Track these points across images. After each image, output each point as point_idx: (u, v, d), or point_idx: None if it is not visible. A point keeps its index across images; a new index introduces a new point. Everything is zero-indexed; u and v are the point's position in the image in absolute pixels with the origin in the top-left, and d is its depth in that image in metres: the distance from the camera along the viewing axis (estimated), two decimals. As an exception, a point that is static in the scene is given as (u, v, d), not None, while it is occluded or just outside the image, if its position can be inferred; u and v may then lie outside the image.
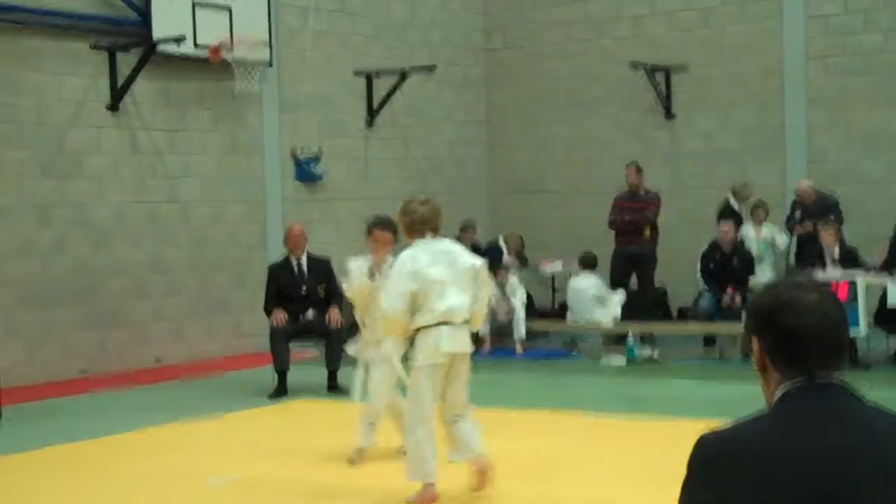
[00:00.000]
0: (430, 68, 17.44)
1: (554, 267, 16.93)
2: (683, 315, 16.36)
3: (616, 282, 15.63)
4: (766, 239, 15.46)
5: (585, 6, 18.81)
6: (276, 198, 16.18)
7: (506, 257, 16.47)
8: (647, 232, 15.43)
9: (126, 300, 14.42)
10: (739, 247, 14.99)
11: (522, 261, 17.08)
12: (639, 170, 15.68)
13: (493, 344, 15.28)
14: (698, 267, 15.04)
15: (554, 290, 17.22)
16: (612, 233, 15.72)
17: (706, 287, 14.77)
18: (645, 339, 14.87)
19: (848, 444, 2.51)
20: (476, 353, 15.17)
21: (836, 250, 13.82)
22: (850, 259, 13.72)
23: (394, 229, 8.55)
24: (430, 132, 18.61)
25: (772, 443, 2.53)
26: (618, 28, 18.56)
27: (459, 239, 16.86)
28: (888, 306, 12.94)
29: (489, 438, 9.81)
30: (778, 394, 2.63)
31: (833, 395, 2.59)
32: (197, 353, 15.01)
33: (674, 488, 2.64)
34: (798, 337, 2.59)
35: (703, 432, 2.63)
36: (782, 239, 15.50)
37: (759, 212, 15.67)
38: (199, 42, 14.57)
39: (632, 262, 15.59)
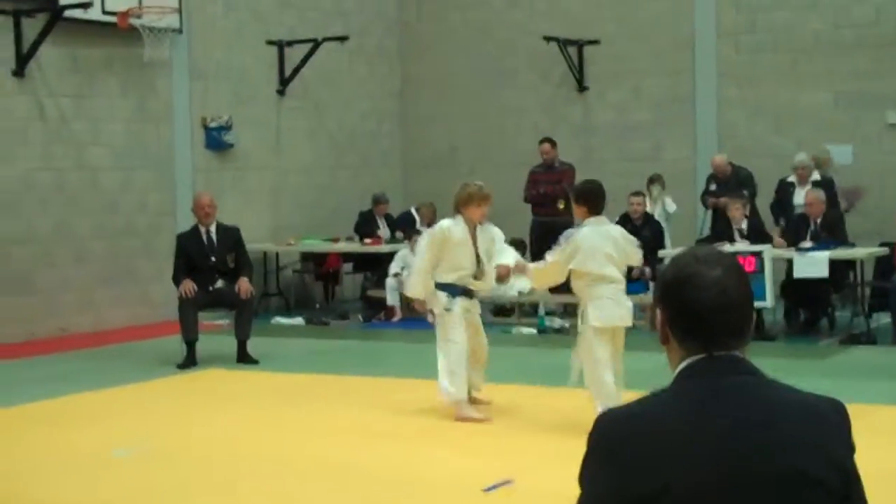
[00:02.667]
0: (343, 38, 17.35)
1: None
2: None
3: (536, 253, 15.69)
4: (663, 211, 15.65)
5: (500, -22, 18.80)
6: (186, 166, 16.01)
7: (418, 226, 16.44)
8: (562, 204, 15.55)
9: (33, 268, 14.19)
10: (650, 218, 15.13)
11: (435, 232, 17.04)
12: (553, 144, 15.79)
13: (405, 314, 15.27)
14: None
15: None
16: (528, 205, 15.80)
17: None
18: (564, 311, 14.97)
19: (746, 421, 2.50)
20: (387, 324, 15.30)
21: (744, 224, 13.97)
22: (757, 232, 13.89)
23: None
24: (343, 103, 18.51)
25: (670, 420, 2.51)
26: (532, 2, 18.58)
27: (372, 211, 16.87)
28: (795, 277, 13.10)
29: (393, 410, 9.82)
30: (678, 368, 2.61)
31: (732, 370, 2.57)
32: (105, 323, 14.83)
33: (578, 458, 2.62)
34: (697, 312, 2.56)
35: (602, 411, 2.61)
36: (672, 205, 15.74)
37: (655, 185, 15.85)
38: (107, 8, 14.34)
39: (549, 233, 15.67)
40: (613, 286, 8.54)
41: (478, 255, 9.51)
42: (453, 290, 9.43)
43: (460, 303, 9.45)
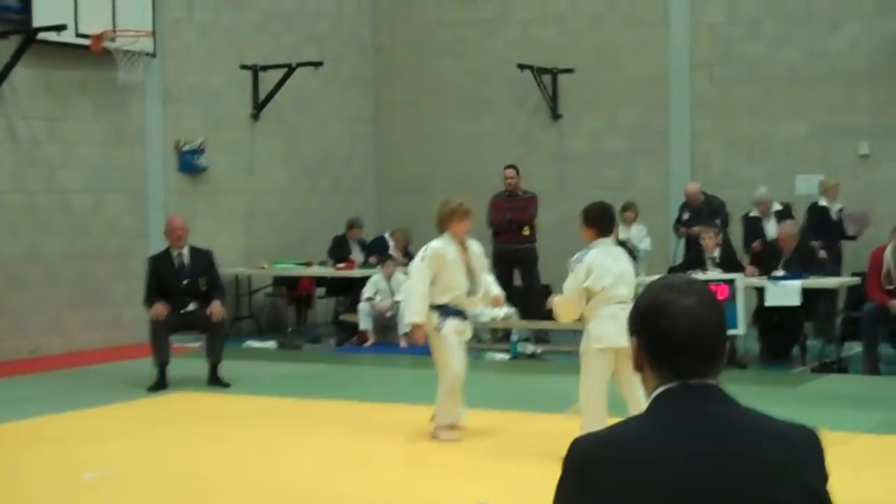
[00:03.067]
0: (317, 64, 17.37)
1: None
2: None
3: (501, 280, 15.70)
4: (632, 241, 15.67)
5: (476, 6, 18.88)
6: (159, 189, 15.97)
7: (391, 251, 16.44)
8: (527, 231, 15.64)
9: (3, 290, 14.11)
10: (622, 246, 15.12)
11: (408, 256, 17.05)
12: (517, 171, 15.86)
13: (377, 339, 15.25)
14: (582, 266, 15.18)
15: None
16: (490, 232, 15.85)
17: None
18: (534, 337, 14.99)
19: (721, 450, 2.50)
20: (359, 348, 15.24)
21: (717, 252, 14.02)
22: (729, 261, 13.94)
23: None
24: (317, 128, 18.51)
25: (645, 447, 2.51)
26: (508, 30, 18.66)
27: (345, 236, 16.85)
28: (766, 305, 13.16)
29: (366, 434, 9.79)
30: (653, 395, 2.62)
31: (706, 398, 2.57)
32: (75, 345, 14.74)
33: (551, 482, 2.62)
34: (670, 340, 2.57)
35: (578, 436, 2.61)
36: (646, 243, 15.81)
37: (629, 213, 15.90)
38: (80, 31, 14.32)
39: (513, 261, 15.75)
40: (622, 306, 8.23)
41: (471, 272, 9.43)
42: (446, 311, 9.31)
43: (455, 324, 9.34)
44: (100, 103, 15.20)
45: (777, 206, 14.69)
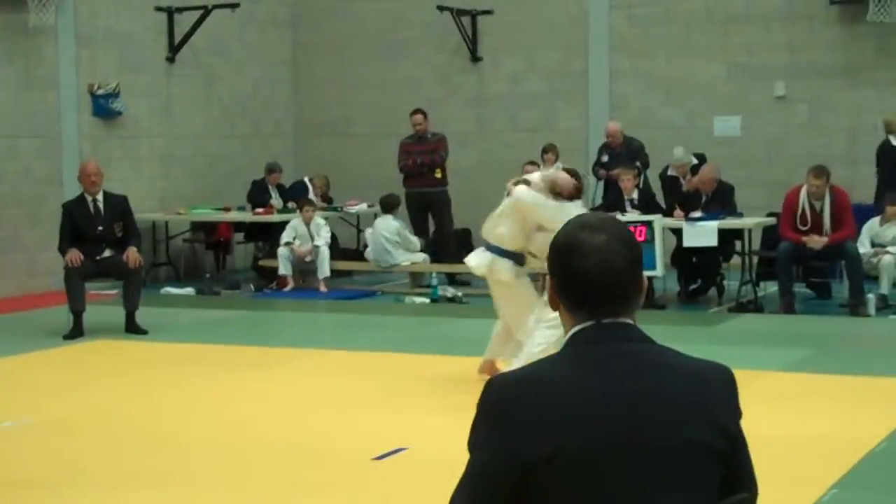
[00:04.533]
0: (234, 6, 17.11)
1: (359, 207, 16.90)
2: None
3: (416, 226, 15.79)
4: None
5: (393, -53, 18.70)
6: (73, 134, 15.69)
7: (311, 196, 16.34)
8: (439, 174, 15.63)
9: (-87, 238, 13.84)
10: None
11: (328, 201, 17.00)
12: (425, 115, 15.85)
13: (297, 283, 15.18)
14: (502, 209, 15.22)
15: (359, 230, 17.19)
16: (402, 177, 15.83)
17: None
18: (452, 281, 15.03)
19: (636, 389, 2.51)
20: (278, 293, 15.18)
21: (636, 194, 14.09)
22: (648, 202, 14.02)
23: None
24: (235, 71, 18.28)
25: (561, 386, 2.51)
26: (426, -29, 18.51)
27: (265, 180, 16.72)
28: (684, 246, 13.27)
29: (288, 377, 9.77)
30: (568, 335, 2.61)
31: (621, 337, 2.57)
32: (-12, 293, 14.51)
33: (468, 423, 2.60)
34: (580, 279, 2.56)
35: (493, 375, 2.59)
36: None
37: (549, 155, 15.92)
38: (-10, -29, 14.00)
39: (426, 205, 15.76)
40: None
41: None
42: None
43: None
44: (11, 47, 14.89)
45: (693, 162, 14.74)
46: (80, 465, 7.18)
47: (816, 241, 12.59)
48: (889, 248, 13.05)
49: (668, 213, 13.62)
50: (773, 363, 9.92)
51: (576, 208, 8.39)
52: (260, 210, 16.05)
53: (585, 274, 2.55)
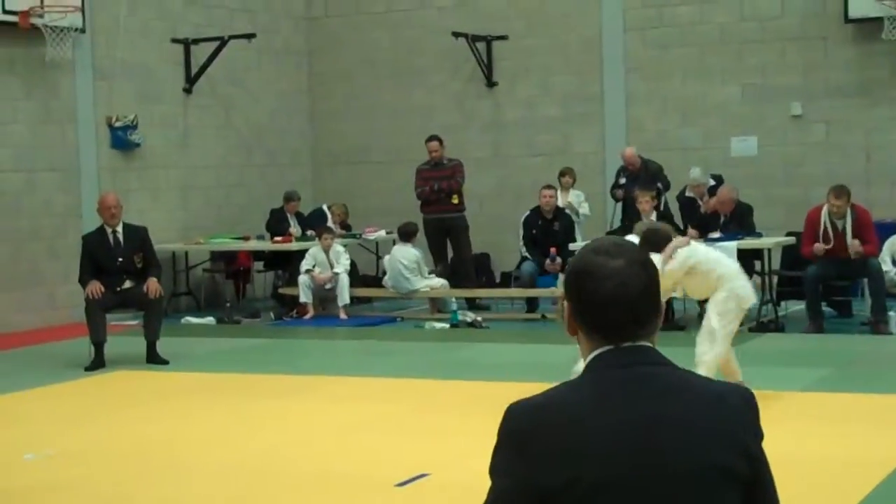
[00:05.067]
0: (250, 36, 17.20)
1: (378, 234, 16.93)
2: (507, 280, 16.53)
3: (435, 252, 15.85)
4: (572, 205, 15.70)
5: (407, -25, 18.77)
6: (92, 166, 15.77)
7: (329, 223, 16.39)
8: (456, 199, 15.68)
9: (-66, 273, 13.90)
10: (561, 211, 15.23)
11: (346, 228, 17.04)
12: (440, 142, 15.94)
13: (317, 311, 15.19)
14: (520, 233, 15.26)
15: (378, 257, 17.22)
16: (419, 203, 15.89)
17: (528, 252, 15.02)
18: (472, 306, 15.07)
19: (656, 413, 2.50)
20: (299, 321, 15.21)
21: (654, 216, 14.07)
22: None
23: None
24: (251, 101, 18.36)
25: (580, 411, 2.50)
26: (440, -2, 18.59)
27: (283, 209, 16.77)
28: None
29: (309, 404, 9.78)
30: (587, 360, 2.60)
31: (640, 360, 2.56)
32: (10, 326, 14.53)
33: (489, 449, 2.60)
34: (598, 303, 2.55)
35: (512, 402, 2.59)
36: (585, 208, 15.83)
37: (566, 178, 15.94)
38: (7, 7, 14.09)
39: (445, 231, 15.81)
40: None
41: None
42: None
43: None
44: (29, 81, 14.99)
45: (710, 183, 14.75)
46: (103, 497, 7.20)
47: (856, 247, 12.55)
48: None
49: (682, 233, 13.60)
50: (795, 383, 9.90)
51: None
52: (279, 238, 16.10)
53: (602, 298, 2.55)
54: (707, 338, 9.27)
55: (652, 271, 2.61)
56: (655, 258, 8.96)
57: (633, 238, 9.30)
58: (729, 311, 9.37)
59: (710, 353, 9.18)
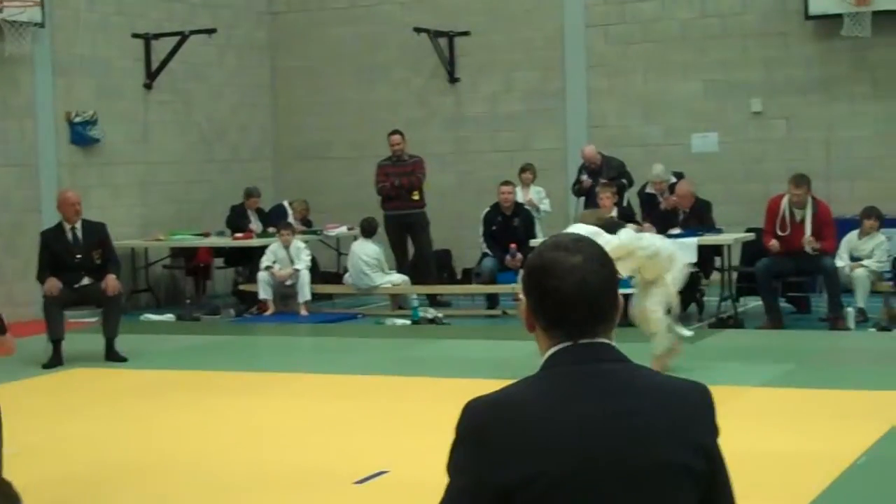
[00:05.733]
0: (211, 31, 17.11)
1: (339, 231, 16.88)
2: (468, 276, 16.53)
3: (395, 246, 15.82)
4: (533, 202, 15.69)
5: (369, -30, 18.73)
6: (51, 162, 15.66)
7: (290, 219, 16.33)
8: (417, 195, 15.66)
9: None
10: (520, 208, 15.23)
11: (307, 224, 16.98)
12: (402, 136, 15.93)
13: (277, 308, 15.14)
14: (481, 229, 15.26)
15: (339, 253, 17.17)
16: (380, 199, 15.86)
17: (488, 248, 15.03)
18: (433, 302, 15.06)
19: (613, 410, 2.49)
20: (259, 318, 15.15)
21: (614, 212, 14.10)
22: (627, 220, 14.01)
23: None
24: (213, 96, 18.27)
25: (537, 408, 2.49)
26: (402, -7, 18.56)
27: (243, 205, 16.69)
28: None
29: (269, 401, 9.74)
30: (545, 356, 2.59)
31: (598, 357, 2.55)
32: (-33, 323, 14.40)
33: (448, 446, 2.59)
34: (556, 299, 2.54)
35: (471, 398, 2.57)
36: (546, 204, 15.82)
37: (526, 175, 15.94)
38: (-35, 2, 13.99)
39: (405, 227, 15.78)
40: None
41: None
42: None
43: None
44: (-14, 76, 14.87)
45: (672, 180, 14.80)
46: (62, 496, 7.15)
47: (811, 242, 12.61)
48: (864, 262, 13.07)
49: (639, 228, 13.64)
50: (754, 378, 9.94)
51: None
52: (239, 235, 16.03)
53: (563, 295, 2.54)
54: (655, 328, 9.97)
55: (610, 266, 2.61)
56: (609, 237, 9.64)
57: (580, 227, 9.40)
58: (666, 303, 10.07)
59: (662, 344, 9.86)
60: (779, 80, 16.55)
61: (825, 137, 16.36)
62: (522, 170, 16.03)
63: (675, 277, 10.28)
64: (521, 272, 2.69)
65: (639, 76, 17.28)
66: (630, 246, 9.89)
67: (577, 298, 2.53)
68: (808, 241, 12.65)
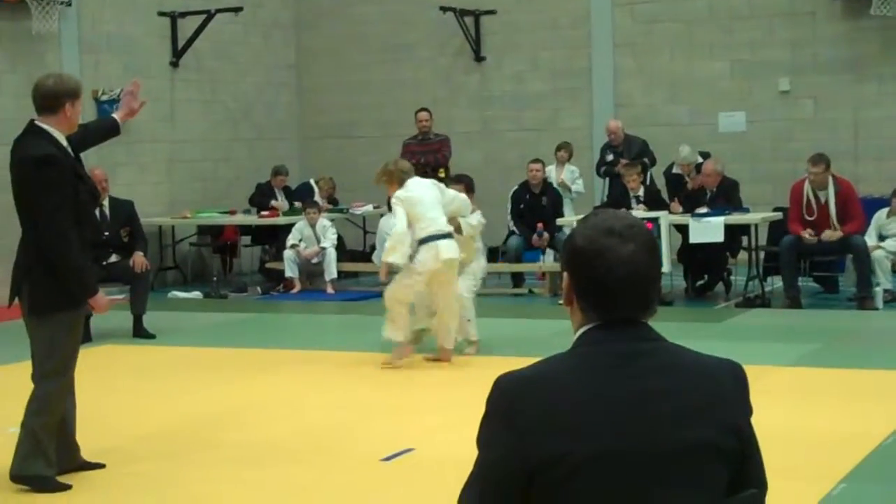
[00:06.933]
0: (237, 10, 17.12)
1: (365, 209, 16.88)
2: (494, 254, 16.49)
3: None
4: (565, 182, 15.65)
5: (395, -51, 18.69)
6: (78, 140, 15.68)
7: (316, 198, 16.33)
8: (443, 173, 15.63)
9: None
10: (548, 186, 15.19)
11: (334, 203, 16.99)
12: (430, 114, 15.91)
13: (304, 285, 15.17)
14: (508, 207, 15.23)
15: (365, 232, 17.18)
16: None
17: (515, 227, 15.00)
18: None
19: (647, 389, 2.50)
20: (285, 296, 15.18)
21: (641, 191, 14.09)
22: (654, 199, 14.01)
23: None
24: (238, 75, 18.29)
25: (572, 385, 2.50)
26: (427, -29, 18.50)
27: (270, 183, 16.72)
28: (690, 242, 13.25)
29: (295, 379, 9.78)
30: (579, 332, 2.60)
31: (634, 337, 2.57)
32: (-3, 301, 14.49)
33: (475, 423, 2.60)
34: (608, 286, 2.54)
35: (502, 374, 2.57)
36: (580, 184, 15.76)
37: (562, 153, 15.88)
38: (-8, -21, 14.03)
39: None
40: None
41: None
42: None
43: None
44: (15, 54, 14.91)
45: (699, 160, 14.72)
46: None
47: (830, 235, 12.57)
48: (882, 243, 12.97)
49: (667, 208, 13.60)
50: (781, 358, 9.91)
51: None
52: (266, 213, 16.06)
53: (613, 282, 2.54)
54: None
55: (658, 254, 2.62)
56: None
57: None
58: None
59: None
60: (806, 59, 16.46)
61: (853, 117, 16.27)
62: (558, 148, 15.95)
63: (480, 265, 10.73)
64: (563, 250, 2.68)
65: (665, 55, 17.21)
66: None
67: (626, 286, 2.54)
68: (831, 234, 12.57)
